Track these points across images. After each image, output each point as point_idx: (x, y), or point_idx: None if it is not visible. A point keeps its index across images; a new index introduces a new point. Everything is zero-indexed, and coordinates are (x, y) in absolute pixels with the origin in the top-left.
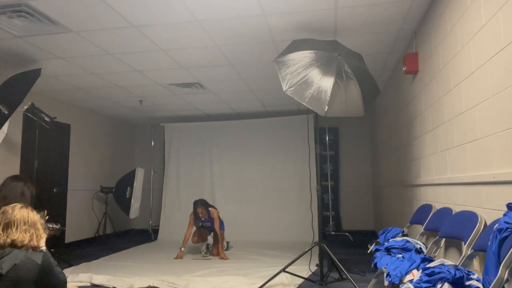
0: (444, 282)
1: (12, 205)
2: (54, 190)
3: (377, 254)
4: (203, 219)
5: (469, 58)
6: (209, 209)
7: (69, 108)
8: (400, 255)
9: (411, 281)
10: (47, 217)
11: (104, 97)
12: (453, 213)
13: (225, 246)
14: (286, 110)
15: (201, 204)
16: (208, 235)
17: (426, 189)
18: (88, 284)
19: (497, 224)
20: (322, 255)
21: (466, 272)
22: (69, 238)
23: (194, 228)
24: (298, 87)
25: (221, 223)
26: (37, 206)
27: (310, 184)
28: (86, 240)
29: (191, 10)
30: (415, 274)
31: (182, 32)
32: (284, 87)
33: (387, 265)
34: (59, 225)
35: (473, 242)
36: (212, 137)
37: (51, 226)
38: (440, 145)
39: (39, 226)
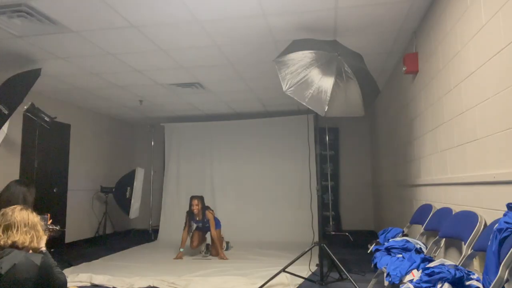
0: (444, 282)
1: (12, 207)
2: (54, 190)
3: (377, 254)
4: (197, 219)
5: (469, 58)
6: (205, 211)
7: (69, 108)
8: (400, 255)
9: (411, 281)
10: (50, 221)
11: (104, 97)
12: (453, 213)
13: (225, 246)
14: (286, 110)
15: (197, 197)
16: (205, 235)
17: (426, 189)
18: (88, 284)
19: (497, 224)
20: (322, 255)
21: (466, 272)
22: (69, 238)
23: (192, 231)
24: (298, 87)
25: (217, 222)
26: (39, 209)
27: (310, 184)
28: (86, 240)
29: (191, 10)
30: (415, 274)
31: (182, 32)
32: (284, 87)
33: (387, 265)
34: (59, 227)
35: (473, 242)
36: (212, 137)
37: (51, 227)
38: (440, 145)
39: (39, 228)
